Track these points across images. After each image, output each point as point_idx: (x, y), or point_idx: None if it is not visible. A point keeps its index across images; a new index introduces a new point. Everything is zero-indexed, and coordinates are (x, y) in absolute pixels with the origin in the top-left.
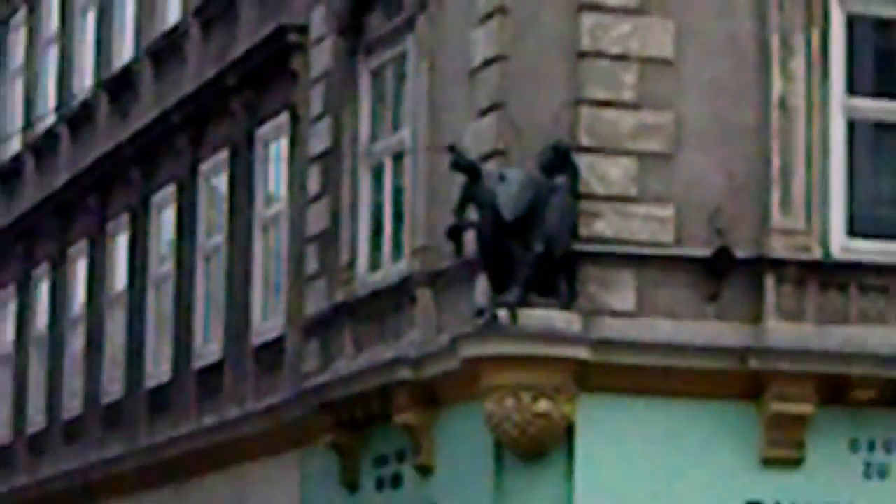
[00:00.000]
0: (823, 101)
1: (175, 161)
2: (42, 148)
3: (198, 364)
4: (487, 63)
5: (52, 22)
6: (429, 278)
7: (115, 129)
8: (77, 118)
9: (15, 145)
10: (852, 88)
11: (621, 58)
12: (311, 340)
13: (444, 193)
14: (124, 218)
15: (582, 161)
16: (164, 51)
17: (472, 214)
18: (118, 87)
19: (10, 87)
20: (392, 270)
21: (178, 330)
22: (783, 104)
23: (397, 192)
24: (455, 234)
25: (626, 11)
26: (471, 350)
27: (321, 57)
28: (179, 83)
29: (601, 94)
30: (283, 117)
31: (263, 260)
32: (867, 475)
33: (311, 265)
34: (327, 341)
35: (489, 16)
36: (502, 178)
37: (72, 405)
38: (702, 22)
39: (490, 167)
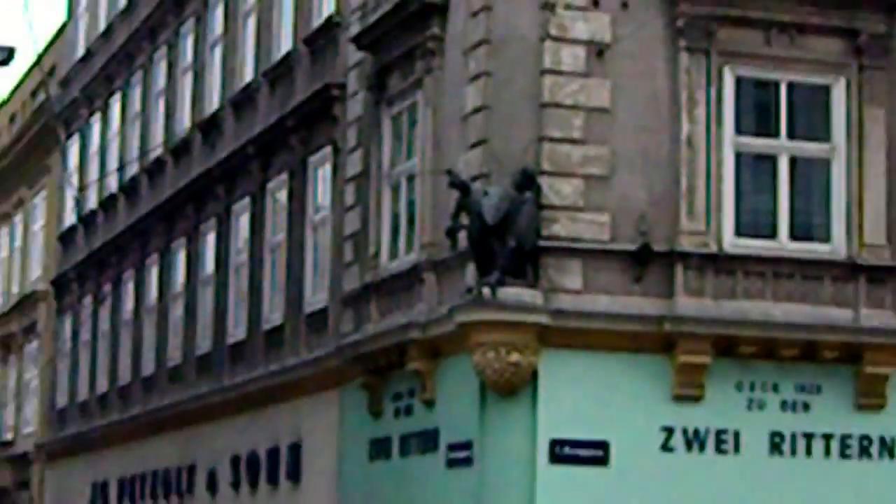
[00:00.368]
0: (718, 139)
1: (249, 180)
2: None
3: (266, 326)
4: (476, 111)
5: (188, 56)
6: (432, 265)
7: (205, 159)
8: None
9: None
10: (739, 129)
11: (572, 107)
12: (346, 310)
13: (444, 204)
14: (212, 223)
15: (544, 181)
16: (242, 100)
17: (464, 220)
18: (208, 127)
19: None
20: (405, 259)
21: (251, 302)
22: (689, 141)
23: (410, 203)
24: (451, 233)
25: (575, 74)
26: (463, 317)
27: (355, 106)
28: (253, 124)
29: (557, 134)
30: (327, 149)
31: (313, 252)
32: (749, 408)
33: (347, 255)
34: (358, 310)
35: (477, 77)
36: (486, 193)
37: (204, 344)
38: (630, 82)
39: (477, 186)
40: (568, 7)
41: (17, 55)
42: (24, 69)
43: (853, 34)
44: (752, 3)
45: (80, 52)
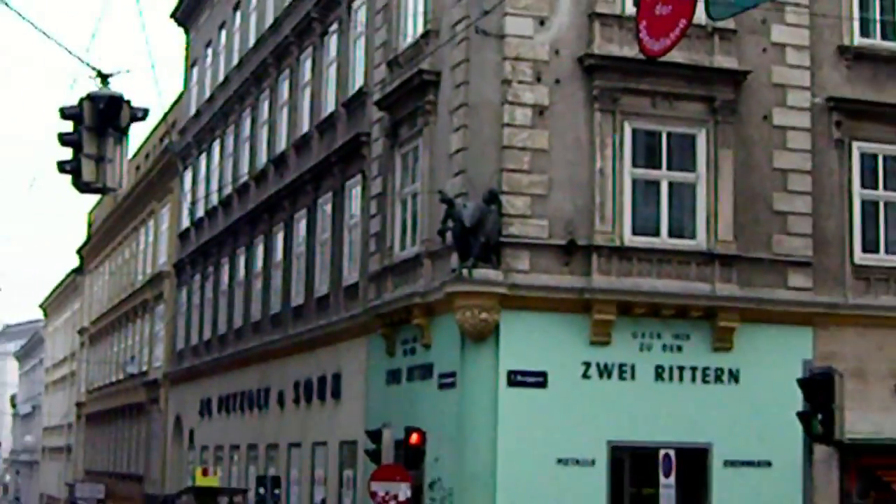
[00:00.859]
0: (620, 170)
1: (306, 197)
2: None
3: (317, 294)
4: (458, 151)
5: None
6: (429, 254)
7: (276, 182)
8: (279, 160)
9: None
10: (634, 163)
11: (522, 149)
12: (371, 284)
13: (436, 214)
14: (280, 226)
15: (504, 198)
16: (301, 143)
17: (450, 224)
18: (279, 161)
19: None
20: (411, 250)
21: (307, 278)
22: (601, 171)
23: (413, 213)
24: (442, 233)
25: (524, 127)
26: (449, 288)
27: (376, 148)
28: (309, 159)
29: (512, 167)
30: (358, 177)
31: (348, 245)
32: (640, 349)
33: (371, 247)
34: (379, 284)
35: (458, 129)
36: (464, 206)
37: (275, 306)
38: (561, 132)
39: (458, 201)
40: (520, 82)
41: (149, 114)
42: (155, 123)
43: (711, 100)
44: (642, 80)
45: (192, 111)
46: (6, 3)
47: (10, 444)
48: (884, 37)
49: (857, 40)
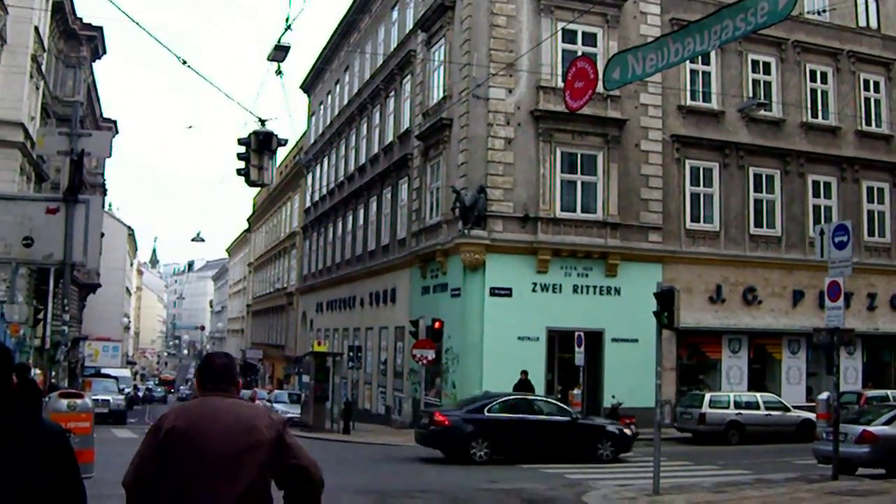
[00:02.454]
0: (554, 175)
1: (375, 189)
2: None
3: (382, 243)
4: (462, 163)
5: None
6: (446, 221)
7: (359, 181)
8: (360, 169)
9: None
10: (563, 171)
11: (499, 163)
12: (413, 237)
13: (450, 198)
14: (361, 207)
15: (489, 190)
16: (375, 158)
17: (457, 204)
18: (361, 169)
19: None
20: (435, 218)
21: (377, 234)
22: (544, 175)
23: (437, 198)
24: (453, 209)
25: (499, 150)
26: (458, 241)
27: (416, 161)
28: (378, 167)
29: (493, 172)
30: (406, 178)
31: (400, 217)
32: (565, 275)
33: (413, 217)
34: (417, 238)
35: (462, 151)
36: (466, 194)
37: (358, 250)
38: (521, 153)
39: (463, 191)
40: (497, 124)
41: (287, 142)
42: (290, 147)
43: (605, 135)
44: (567, 124)
45: (312, 141)
46: (210, 81)
47: (209, 328)
48: (704, 100)
49: (689, 102)
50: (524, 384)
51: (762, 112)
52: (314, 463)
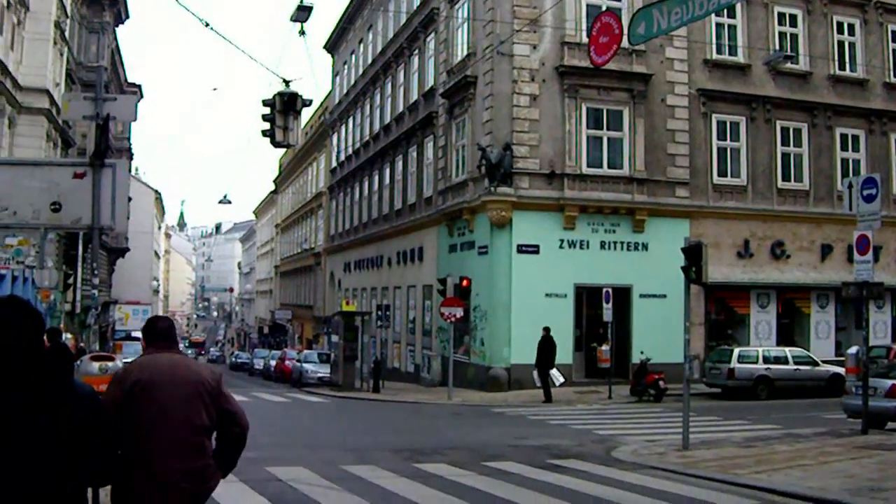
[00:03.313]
0: (580, 131)
1: (400, 148)
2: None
3: (409, 202)
4: (487, 121)
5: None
6: (472, 179)
7: (385, 140)
8: (385, 128)
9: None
10: (588, 127)
11: (524, 119)
12: (440, 196)
13: (475, 156)
14: (388, 165)
15: (514, 147)
16: (399, 118)
17: (483, 162)
18: (386, 127)
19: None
20: (462, 176)
21: (404, 192)
22: (569, 132)
23: (463, 156)
24: (479, 167)
25: (524, 107)
26: (484, 198)
27: (441, 120)
28: (403, 126)
29: (518, 129)
30: (431, 136)
31: (427, 174)
32: (592, 231)
33: (440, 175)
34: (444, 196)
35: (487, 108)
36: (492, 151)
37: (385, 209)
38: (546, 109)
39: (489, 148)
40: (522, 81)
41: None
42: (315, 108)
43: (631, 90)
44: (592, 80)
45: (336, 101)
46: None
47: (238, 289)
48: (730, 53)
49: (715, 56)
50: (546, 341)
51: (789, 65)
52: (242, 411)
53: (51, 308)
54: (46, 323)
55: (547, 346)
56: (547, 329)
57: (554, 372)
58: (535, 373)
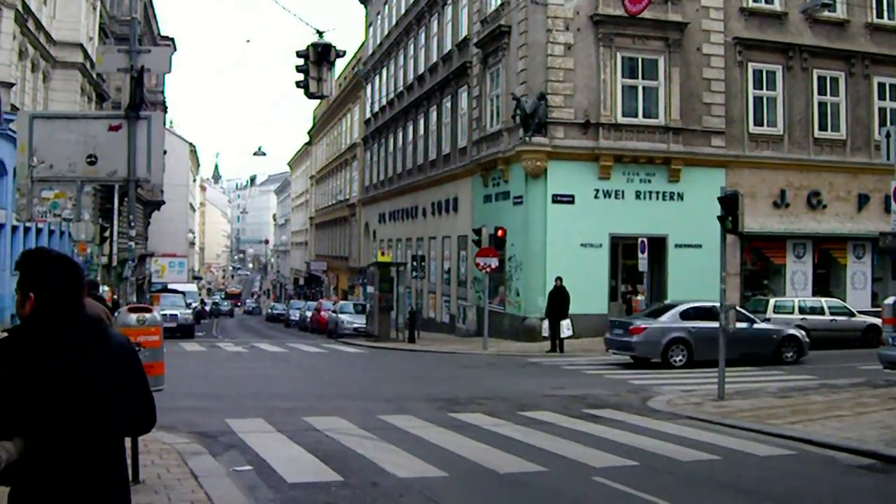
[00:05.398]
0: (615, 80)
1: (434, 99)
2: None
3: (444, 152)
4: (522, 70)
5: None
6: (507, 129)
7: (419, 90)
8: (420, 78)
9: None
10: (623, 76)
11: (559, 69)
12: (475, 146)
13: (510, 106)
14: (422, 116)
15: (549, 97)
16: (432, 67)
17: (518, 111)
18: (420, 78)
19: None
20: (496, 126)
21: (439, 143)
22: (604, 81)
23: (497, 106)
24: (514, 116)
25: (559, 56)
26: (519, 148)
27: (476, 70)
28: (437, 76)
29: (553, 78)
30: (465, 86)
31: (461, 125)
32: (627, 181)
33: (474, 126)
34: (479, 146)
35: (522, 57)
36: (526, 101)
37: (420, 159)
38: (581, 58)
39: (524, 98)
40: (556, 30)
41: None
42: (349, 58)
43: (666, 39)
44: (627, 28)
45: (370, 52)
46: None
47: (273, 241)
48: (766, 1)
49: (751, 3)
50: (558, 291)
51: (826, 12)
52: None
53: (87, 261)
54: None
55: (559, 297)
56: (559, 279)
57: (565, 322)
58: (546, 323)
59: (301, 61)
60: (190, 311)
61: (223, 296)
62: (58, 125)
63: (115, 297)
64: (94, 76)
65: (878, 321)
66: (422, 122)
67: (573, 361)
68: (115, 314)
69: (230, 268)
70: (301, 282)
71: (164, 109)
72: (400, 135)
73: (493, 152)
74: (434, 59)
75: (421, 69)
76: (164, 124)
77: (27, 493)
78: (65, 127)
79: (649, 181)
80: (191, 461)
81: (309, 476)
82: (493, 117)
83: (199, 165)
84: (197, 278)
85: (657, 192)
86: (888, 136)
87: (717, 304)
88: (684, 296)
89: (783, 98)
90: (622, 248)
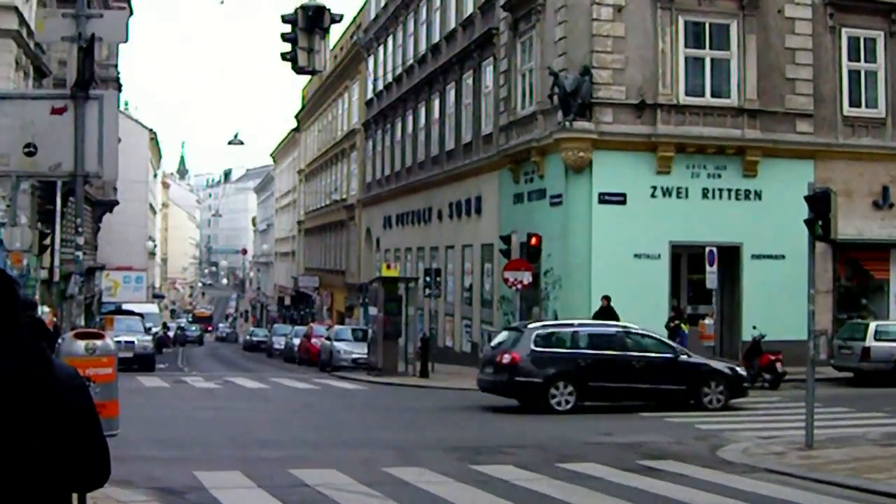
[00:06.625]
0: (676, 50)
1: (452, 73)
2: None
3: (463, 141)
4: (561, 39)
5: None
6: (541, 111)
7: (435, 63)
8: (434, 48)
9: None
10: (686, 45)
11: (606, 36)
12: (501, 133)
13: (545, 83)
14: (436, 95)
15: (594, 72)
16: (450, 36)
17: (556, 90)
18: (435, 48)
19: None
20: (528, 109)
21: (457, 130)
22: (663, 51)
23: (530, 83)
24: (550, 96)
25: (607, 21)
26: (557, 135)
27: (503, 38)
28: (455, 47)
29: (599, 49)
30: (491, 59)
31: (483, 106)
32: (692, 176)
33: (501, 108)
34: (507, 133)
35: (560, 23)
36: (566, 77)
37: (434, 149)
38: (633, 24)
39: (562, 73)
40: None
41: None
42: (347, 24)
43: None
44: None
45: (373, 15)
46: None
47: (252, 251)
48: None
49: None
50: (606, 312)
51: None
52: None
53: (23, 275)
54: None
55: (607, 319)
56: (607, 299)
57: None
58: None
59: (288, 28)
60: (150, 337)
61: (190, 318)
62: None
63: (57, 320)
64: (33, 46)
65: None
66: (436, 103)
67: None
68: (58, 341)
69: (199, 284)
70: (287, 301)
71: (119, 88)
72: (409, 119)
73: (524, 141)
74: (452, 24)
75: (435, 38)
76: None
77: None
78: None
79: (719, 176)
80: None
81: None
82: (526, 97)
83: (160, 157)
84: (158, 297)
85: (729, 190)
86: None
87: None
88: (761, 319)
89: (886, 72)
90: (686, 260)
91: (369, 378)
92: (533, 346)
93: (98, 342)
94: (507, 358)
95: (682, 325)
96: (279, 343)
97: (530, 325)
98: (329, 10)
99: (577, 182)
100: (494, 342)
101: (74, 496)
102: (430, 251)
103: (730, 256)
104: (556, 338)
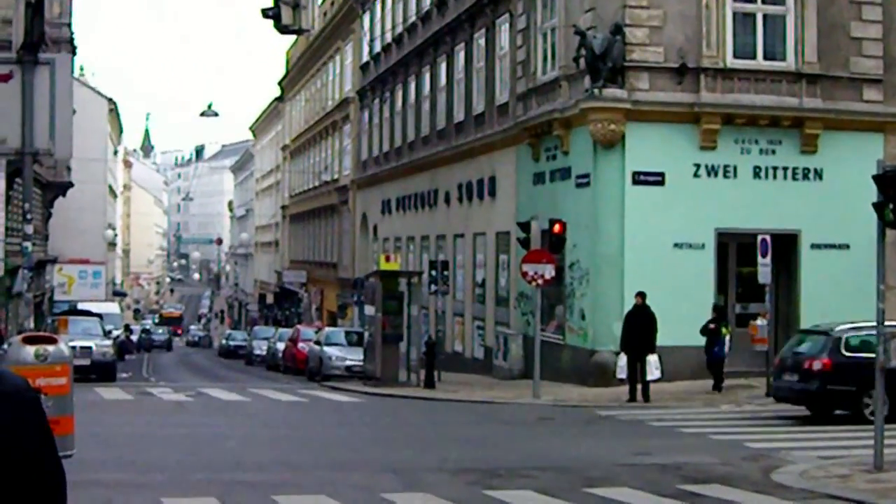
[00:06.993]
0: (723, 4)
1: (463, 33)
2: None
3: (475, 112)
4: (587, 12)
5: None
6: (566, 77)
7: (439, 22)
8: (441, 2)
9: None
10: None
11: (644, 8)
12: (519, 102)
13: (571, 43)
14: (443, 58)
15: (627, 30)
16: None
17: (582, 52)
18: (441, 3)
19: None
20: (550, 74)
21: (466, 99)
22: (707, 6)
23: (552, 44)
24: (576, 59)
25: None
26: (584, 105)
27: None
28: (465, 0)
29: (633, 3)
30: (506, 15)
31: (499, 71)
32: (741, 153)
33: (518, 73)
34: (525, 102)
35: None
36: (595, 37)
37: (441, 122)
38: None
39: (590, 32)
40: None
41: None
42: None
43: None
44: None
45: None
46: None
47: (228, 241)
48: None
49: None
50: (642, 313)
51: None
52: None
53: None
54: None
55: (642, 321)
56: (642, 296)
57: (652, 359)
58: (623, 358)
59: None
60: (110, 342)
61: (157, 320)
62: None
63: (2, 322)
64: None
65: None
66: (443, 67)
67: (664, 415)
68: (3, 347)
69: (167, 280)
70: (269, 300)
71: (73, 51)
72: (411, 87)
73: (546, 111)
74: None
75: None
76: (74, 72)
77: None
78: None
79: (773, 152)
80: None
81: None
82: (547, 60)
83: (121, 132)
84: (119, 294)
85: (785, 169)
86: None
87: None
88: (822, 319)
89: None
90: (734, 251)
91: (365, 389)
92: (844, 351)
93: (50, 348)
94: (817, 364)
95: (724, 329)
96: (260, 348)
97: (838, 328)
98: None
99: (607, 159)
100: (791, 347)
101: None
102: (435, 241)
103: (786, 246)
104: (868, 341)
